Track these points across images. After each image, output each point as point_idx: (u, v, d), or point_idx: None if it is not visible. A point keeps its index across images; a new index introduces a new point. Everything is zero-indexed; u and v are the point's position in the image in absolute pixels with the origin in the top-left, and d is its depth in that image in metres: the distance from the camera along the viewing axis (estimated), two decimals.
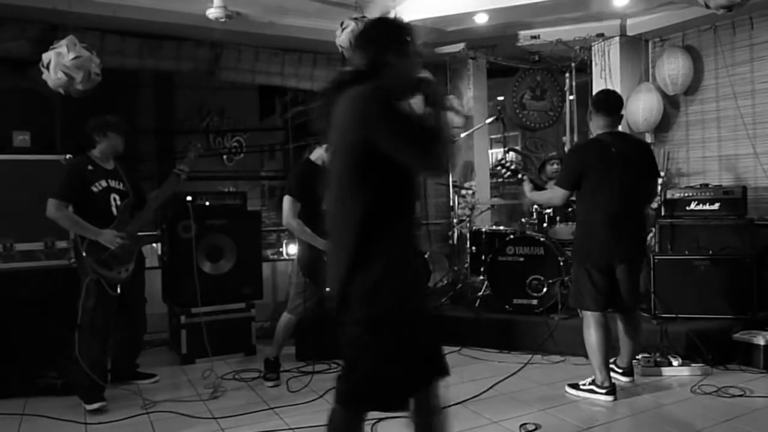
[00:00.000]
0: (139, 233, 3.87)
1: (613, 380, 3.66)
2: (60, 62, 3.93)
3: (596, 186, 3.58)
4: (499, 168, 4.05)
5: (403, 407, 2.08)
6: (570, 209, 4.95)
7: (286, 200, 3.90)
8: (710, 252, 4.62)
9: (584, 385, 3.70)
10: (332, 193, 2.06)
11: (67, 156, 4.04)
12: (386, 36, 2.07)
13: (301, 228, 3.87)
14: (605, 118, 3.68)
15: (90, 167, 3.74)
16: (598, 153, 3.61)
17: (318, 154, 3.99)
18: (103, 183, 3.74)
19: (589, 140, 3.80)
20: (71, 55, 3.94)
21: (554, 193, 3.75)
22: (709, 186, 5.00)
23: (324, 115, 2.08)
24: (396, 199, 1.99)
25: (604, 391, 3.59)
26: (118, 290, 3.63)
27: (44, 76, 4.00)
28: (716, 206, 4.87)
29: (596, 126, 3.73)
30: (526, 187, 3.90)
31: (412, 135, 1.89)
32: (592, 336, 3.62)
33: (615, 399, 3.57)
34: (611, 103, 3.72)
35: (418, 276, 2.12)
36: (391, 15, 5.34)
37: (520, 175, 3.97)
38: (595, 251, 3.62)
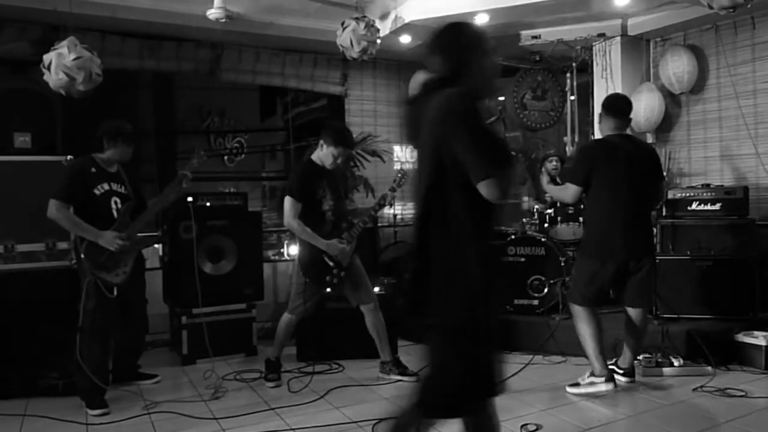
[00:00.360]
0: (140, 235, 3.86)
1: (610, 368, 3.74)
2: (61, 63, 3.93)
3: (604, 185, 3.66)
4: (520, 156, 4.12)
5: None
6: (571, 209, 4.96)
7: (287, 200, 3.90)
8: (712, 252, 4.61)
9: (584, 380, 3.74)
10: (418, 194, 2.06)
11: (68, 157, 4.04)
12: (466, 41, 2.10)
13: (302, 228, 3.87)
14: (614, 120, 3.75)
15: (93, 169, 3.73)
16: (606, 152, 3.69)
17: (318, 155, 3.99)
18: (105, 186, 3.74)
19: (598, 140, 3.87)
20: (72, 56, 3.94)
21: (566, 190, 3.81)
22: (711, 186, 5.00)
23: (411, 121, 2.12)
24: (477, 204, 1.98)
25: (603, 379, 3.67)
26: (115, 292, 3.62)
27: (45, 77, 4.00)
28: (718, 206, 4.86)
29: (605, 128, 3.80)
30: (544, 179, 3.99)
31: (486, 145, 1.91)
32: (584, 327, 3.72)
33: (615, 386, 3.66)
34: (621, 107, 3.80)
35: (495, 283, 2.13)
36: (392, 15, 5.35)
37: (539, 165, 4.06)
38: (604, 249, 3.67)
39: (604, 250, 3.66)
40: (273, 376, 4.08)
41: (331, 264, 3.92)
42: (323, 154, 3.95)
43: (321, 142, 3.96)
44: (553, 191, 4.15)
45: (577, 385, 3.75)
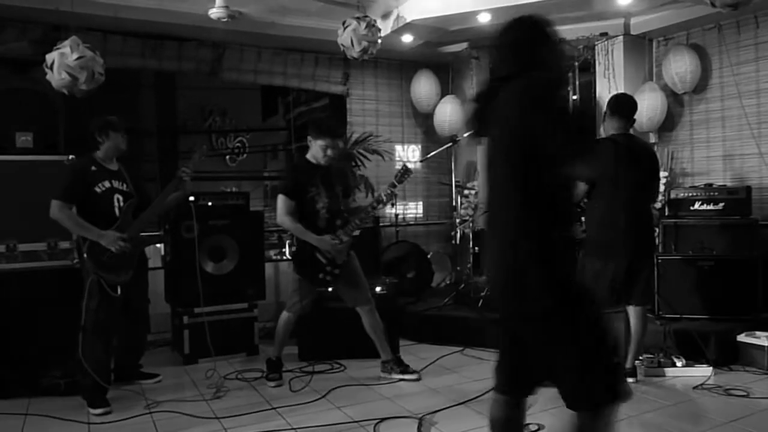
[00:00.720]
0: (142, 234, 3.86)
1: None
2: (64, 62, 3.94)
3: (609, 184, 3.67)
4: None
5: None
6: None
7: (279, 198, 3.92)
8: (714, 252, 4.60)
9: None
10: (498, 188, 2.08)
11: (70, 156, 4.05)
12: (536, 35, 2.09)
13: (293, 224, 3.87)
14: (619, 120, 3.79)
15: (93, 168, 3.74)
16: (612, 151, 3.71)
17: (312, 152, 3.98)
18: (107, 184, 3.74)
19: (602, 139, 3.86)
20: (75, 56, 3.95)
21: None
22: (714, 186, 4.98)
23: (479, 118, 2.13)
24: (558, 189, 2.00)
25: None
26: (119, 291, 3.63)
27: (48, 77, 4.01)
28: (720, 206, 4.84)
29: (609, 127, 3.83)
30: None
31: (574, 127, 1.92)
32: None
33: None
34: (627, 108, 3.83)
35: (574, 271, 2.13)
36: (394, 14, 5.34)
37: None
38: (609, 248, 3.68)
39: (608, 249, 3.67)
40: (274, 375, 4.08)
41: (324, 261, 3.90)
42: (314, 149, 3.95)
43: (309, 138, 3.97)
44: None
45: None
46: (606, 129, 3.87)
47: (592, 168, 1.89)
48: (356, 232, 4.00)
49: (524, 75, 1.98)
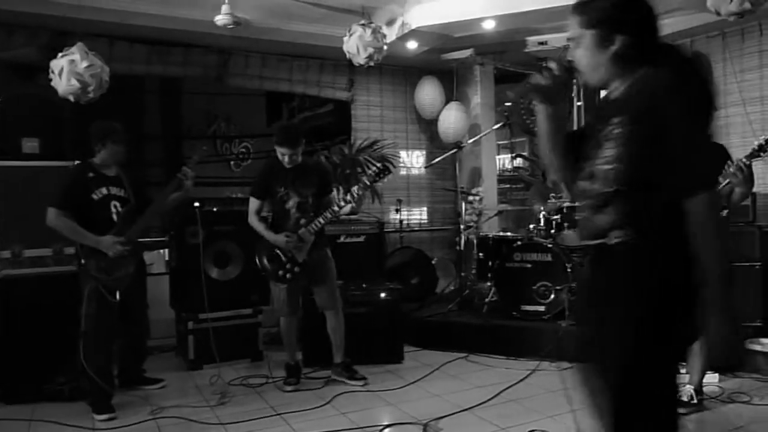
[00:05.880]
0: (140, 240, 3.86)
1: None
2: (73, 70, 3.95)
3: None
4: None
5: None
6: (578, 216, 4.94)
7: (250, 200, 4.03)
8: None
9: None
10: None
11: (76, 162, 4.06)
12: None
13: (256, 224, 3.99)
14: None
15: (91, 174, 3.73)
16: None
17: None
18: (104, 191, 3.73)
19: None
20: (85, 64, 3.97)
21: None
22: None
23: None
24: None
25: None
26: (118, 296, 3.62)
27: (54, 83, 4.02)
28: (724, 213, 4.82)
29: None
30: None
31: None
32: None
33: None
34: None
35: None
36: (398, 21, 5.36)
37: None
38: None
39: None
40: (291, 380, 4.10)
41: (284, 259, 3.94)
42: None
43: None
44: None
45: None
46: None
47: None
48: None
49: None
